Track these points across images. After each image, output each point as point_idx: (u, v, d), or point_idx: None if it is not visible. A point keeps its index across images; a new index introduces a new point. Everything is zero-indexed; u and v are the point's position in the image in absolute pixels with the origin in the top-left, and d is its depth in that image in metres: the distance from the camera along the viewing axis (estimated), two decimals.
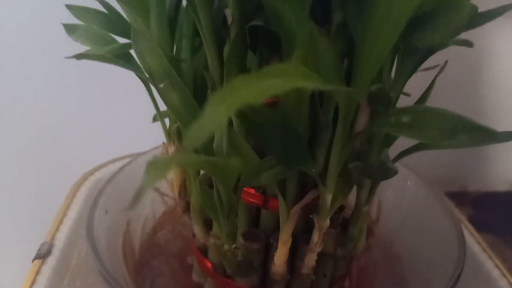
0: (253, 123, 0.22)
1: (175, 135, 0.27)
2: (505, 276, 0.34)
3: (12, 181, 0.52)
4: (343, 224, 0.29)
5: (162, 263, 0.36)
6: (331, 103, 0.23)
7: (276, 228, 0.27)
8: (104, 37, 0.27)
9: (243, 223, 0.28)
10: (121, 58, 0.25)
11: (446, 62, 0.25)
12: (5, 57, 0.48)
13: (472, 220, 0.41)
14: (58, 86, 0.50)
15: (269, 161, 0.23)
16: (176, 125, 0.27)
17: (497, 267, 0.35)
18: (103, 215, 0.32)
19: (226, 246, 0.27)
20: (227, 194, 0.23)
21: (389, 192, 0.38)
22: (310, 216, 0.25)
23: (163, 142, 0.29)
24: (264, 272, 0.28)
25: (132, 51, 0.25)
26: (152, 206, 0.39)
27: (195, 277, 0.33)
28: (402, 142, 0.26)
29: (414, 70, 0.25)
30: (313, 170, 0.23)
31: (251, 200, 0.27)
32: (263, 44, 0.24)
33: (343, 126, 0.20)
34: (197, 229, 0.30)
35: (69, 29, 0.27)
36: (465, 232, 0.35)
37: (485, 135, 0.16)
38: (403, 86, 0.24)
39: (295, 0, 0.18)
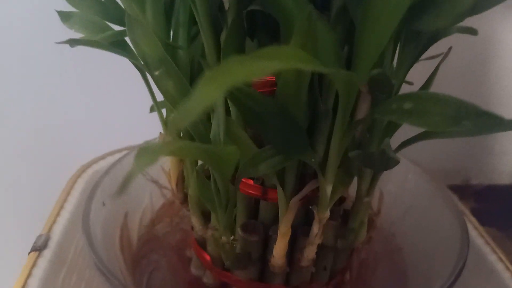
0: (251, 112, 0.21)
1: None
2: (508, 269, 0.34)
3: (9, 173, 0.52)
4: (343, 216, 0.28)
5: (160, 256, 0.35)
6: (331, 91, 0.22)
7: (276, 220, 0.26)
8: (100, 25, 0.26)
9: (242, 215, 0.27)
10: (116, 45, 0.25)
11: (449, 49, 0.24)
12: (2, 50, 0.47)
13: (475, 213, 0.41)
14: (56, 78, 0.50)
15: (268, 150, 0.22)
16: (173, 114, 0.26)
17: (501, 260, 0.34)
18: (100, 207, 0.32)
19: (224, 238, 0.26)
20: (224, 184, 0.23)
21: (390, 184, 0.37)
22: (310, 207, 0.24)
23: (160, 133, 0.28)
24: (263, 265, 0.28)
25: (127, 38, 0.24)
26: (151, 199, 0.39)
27: (193, 270, 0.33)
28: (406, 136, 0.25)
29: (416, 58, 0.24)
30: (313, 160, 0.22)
31: (250, 191, 0.26)
32: (262, 30, 0.23)
33: (343, 114, 0.20)
34: (195, 221, 0.29)
35: (64, 16, 0.26)
36: (468, 225, 0.35)
37: (490, 121, 0.15)
38: (405, 74, 0.24)
39: None
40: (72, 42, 0.23)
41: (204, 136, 0.23)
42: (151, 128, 0.34)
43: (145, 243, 0.36)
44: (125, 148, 0.42)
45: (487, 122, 0.16)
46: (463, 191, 0.53)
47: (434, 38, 0.23)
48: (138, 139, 0.39)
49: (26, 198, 0.52)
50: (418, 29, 0.21)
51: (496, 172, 0.60)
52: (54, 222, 0.34)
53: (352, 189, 0.27)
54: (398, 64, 0.23)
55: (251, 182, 0.26)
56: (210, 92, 0.10)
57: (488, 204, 0.55)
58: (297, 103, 0.20)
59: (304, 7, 0.18)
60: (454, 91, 0.17)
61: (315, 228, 0.25)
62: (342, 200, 0.28)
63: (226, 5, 0.22)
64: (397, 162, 0.22)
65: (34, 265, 0.31)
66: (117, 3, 0.27)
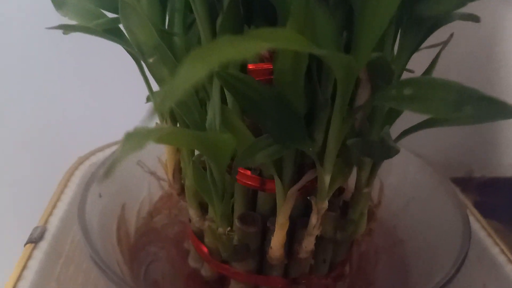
0: (248, 100, 0.20)
1: (168, 113, 0.26)
2: (511, 262, 0.33)
3: (7, 165, 0.52)
4: (343, 207, 0.28)
5: (158, 249, 0.35)
6: (330, 80, 0.22)
7: (274, 211, 0.26)
8: (94, 12, 0.26)
9: (240, 206, 0.27)
10: (111, 32, 0.24)
11: (451, 36, 0.24)
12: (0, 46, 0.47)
13: (477, 206, 0.40)
14: (54, 70, 0.49)
15: (265, 140, 0.22)
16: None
17: (503, 252, 0.34)
18: (97, 199, 0.31)
19: (220, 230, 0.26)
20: (220, 174, 0.22)
21: (392, 176, 0.37)
22: (308, 198, 0.24)
23: (156, 123, 0.28)
24: (261, 257, 0.28)
25: (122, 26, 0.24)
26: (149, 190, 0.38)
27: (191, 262, 0.32)
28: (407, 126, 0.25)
29: (418, 45, 0.23)
30: (311, 149, 0.22)
31: (247, 182, 0.26)
32: (259, 17, 0.23)
33: (342, 101, 0.19)
34: (192, 213, 0.29)
35: (58, 3, 0.26)
36: (471, 218, 0.34)
37: (493, 107, 0.15)
38: (406, 62, 0.23)
39: None
40: (65, 28, 0.22)
41: (199, 125, 0.22)
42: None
43: (143, 235, 0.36)
44: None
45: (489, 107, 0.15)
46: (466, 183, 0.52)
47: (436, 24, 0.23)
48: None
49: (24, 190, 0.52)
50: (419, 14, 0.20)
51: (499, 164, 0.60)
52: (50, 214, 0.34)
53: (352, 180, 0.27)
54: (399, 51, 0.22)
55: (248, 172, 0.25)
56: (196, 70, 0.09)
57: (491, 197, 0.55)
58: (294, 90, 0.20)
59: None
60: (457, 78, 0.16)
61: (314, 219, 0.24)
62: (341, 191, 0.28)
63: None
64: (397, 151, 0.21)
65: (29, 257, 0.30)
66: None
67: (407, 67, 0.24)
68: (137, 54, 0.22)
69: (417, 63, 0.25)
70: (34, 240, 0.32)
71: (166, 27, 0.25)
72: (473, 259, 0.34)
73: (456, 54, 0.47)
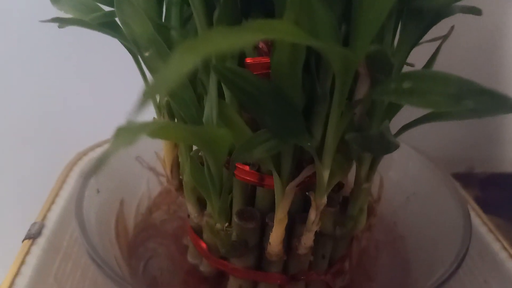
0: (245, 93, 0.20)
1: (165, 109, 0.26)
2: None
3: (5, 161, 0.52)
4: (342, 203, 0.27)
5: (157, 245, 0.35)
6: (328, 74, 0.21)
7: (273, 207, 0.25)
8: (90, 6, 0.26)
9: (238, 202, 0.27)
10: (106, 26, 0.24)
11: (452, 28, 0.23)
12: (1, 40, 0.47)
13: (479, 202, 0.40)
14: (53, 65, 0.49)
15: (262, 134, 0.21)
16: (166, 98, 0.26)
17: (505, 248, 0.34)
18: (94, 194, 0.31)
19: (218, 225, 0.25)
20: (218, 169, 0.22)
21: (392, 172, 0.36)
22: (307, 193, 0.24)
23: (154, 118, 0.28)
24: (259, 253, 0.27)
25: (118, 20, 0.23)
26: (148, 186, 0.38)
27: (190, 258, 0.32)
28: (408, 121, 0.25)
29: (418, 38, 0.23)
30: (309, 144, 0.21)
31: (246, 178, 0.25)
32: (256, 10, 0.22)
33: (340, 95, 0.19)
34: (191, 208, 0.29)
35: None
36: (472, 213, 0.34)
37: (494, 101, 0.15)
38: (406, 55, 0.23)
39: None
40: (60, 21, 0.22)
41: (196, 120, 0.22)
42: (147, 114, 0.33)
43: (142, 231, 0.36)
44: None
45: (490, 101, 0.15)
46: (467, 179, 0.52)
47: (436, 17, 0.23)
48: None
49: (22, 186, 0.52)
50: (419, 6, 0.20)
51: (501, 160, 0.59)
52: (48, 210, 0.34)
53: (352, 176, 0.27)
54: (399, 44, 0.22)
55: (247, 168, 0.25)
56: (186, 60, 0.09)
57: (493, 193, 0.55)
58: (292, 84, 0.19)
59: None
60: (458, 73, 0.16)
61: (312, 215, 0.24)
62: (341, 186, 0.27)
63: None
64: (396, 146, 0.21)
65: (27, 252, 0.30)
66: None
67: (408, 61, 0.24)
68: (133, 48, 0.22)
69: (418, 57, 0.25)
70: (32, 236, 0.31)
71: (163, 20, 0.25)
72: (474, 255, 0.34)
73: (458, 48, 0.47)
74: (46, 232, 0.32)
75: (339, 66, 0.17)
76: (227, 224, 0.26)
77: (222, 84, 0.22)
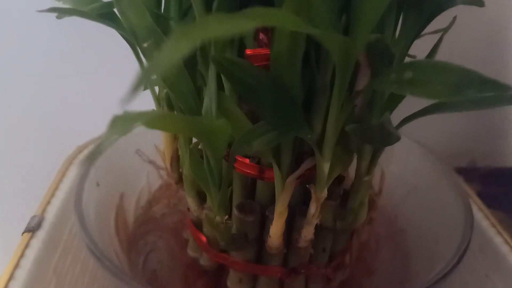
0: (244, 85, 0.20)
1: (165, 101, 0.26)
2: None
3: (5, 154, 0.51)
4: (343, 196, 0.27)
5: (157, 238, 0.35)
6: (329, 65, 0.21)
7: (273, 200, 0.25)
8: None
9: (238, 195, 0.26)
10: (105, 17, 0.24)
11: (454, 18, 0.23)
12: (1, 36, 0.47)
13: (481, 196, 0.40)
14: (53, 59, 0.49)
15: (262, 126, 0.21)
16: (165, 91, 0.25)
17: (506, 242, 0.34)
18: (94, 187, 0.31)
19: (218, 218, 0.25)
20: (217, 161, 0.22)
21: (393, 165, 0.36)
22: (307, 186, 0.24)
23: (153, 110, 0.27)
24: (259, 246, 0.27)
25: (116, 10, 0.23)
26: (148, 180, 0.38)
27: (190, 252, 0.32)
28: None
29: (420, 29, 0.23)
30: (309, 136, 0.21)
31: (246, 170, 0.25)
32: (255, 1, 0.22)
33: (340, 86, 0.19)
34: (191, 202, 0.29)
35: None
36: (473, 207, 0.33)
37: (496, 90, 0.14)
38: (408, 47, 0.23)
39: None
40: (59, 12, 0.22)
41: (195, 112, 0.22)
42: (146, 107, 0.33)
43: (142, 225, 0.36)
44: None
45: (492, 90, 0.14)
46: (469, 173, 0.52)
47: (438, 8, 0.22)
48: None
49: (22, 179, 0.52)
50: None
51: (503, 154, 0.59)
52: (48, 203, 0.34)
53: (353, 169, 0.27)
54: (400, 35, 0.22)
55: (247, 161, 0.25)
56: (181, 45, 0.09)
57: (495, 187, 0.54)
58: (291, 74, 0.19)
59: None
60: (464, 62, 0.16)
61: (313, 208, 0.24)
62: (341, 179, 0.27)
63: None
64: (397, 138, 0.21)
65: (27, 245, 0.30)
66: None
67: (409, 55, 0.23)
68: (132, 39, 0.22)
69: (420, 50, 0.24)
70: (32, 229, 0.31)
71: (162, 11, 0.24)
72: (476, 249, 0.34)
73: (460, 40, 0.47)
74: (46, 225, 0.32)
75: (339, 56, 0.16)
76: (227, 217, 0.25)
77: (221, 76, 0.22)
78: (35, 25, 0.47)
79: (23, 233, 0.31)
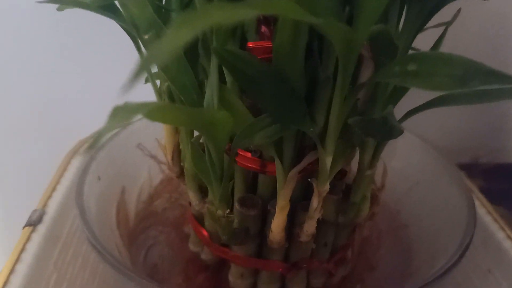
0: (246, 77, 0.20)
1: (166, 94, 0.25)
2: None
3: (7, 148, 0.51)
4: (345, 190, 0.27)
5: (158, 232, 0.35)
6: (331, 58, 0.21)
7: (274, 194, 0.25)
8: None
9: (240, 189, 0.26)
10: (106, 8, 0.23)
11: (458, 11, 0.23)
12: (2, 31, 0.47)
13: (483, 192, 0.40)
14: (55, 51, 0.49)
15: (264, 119, 0.21)
16: (166, 84, 0.25)
17: (509, 238, 0.33)
18: (95, 181, 0.31)
19: (219, 212, 0.25)
20: (218, 155, 0.22)
21: (396, 160, 0.36)
22: (309, 180, 0.23)
23: (154, 101, 0.27)
24: (261, 241, 0.27)
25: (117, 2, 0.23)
26: (149, 174, 0.38)
27: (191, 246, 0.32)
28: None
29: (424, 22, 0.23)
30: (311, 130, 0.21)
31: (247, 164, 0.25)
32: None
33: (343, 78, 0.18)
34: (192, 196, 0.28)
35: None
36: (476, 203, 0.33)
37: (500, 82, 0.14)
38: (412, 39, 0.22)
39: None
40: (60, 3, 0.22)
41: (197, 105, 0.22)
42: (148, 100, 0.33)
43: (143, 219, 0.35)
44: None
45: (497, 82, 0.14)
46: (471, 169, 0.51)
47: (442, 1, 0.22)
48: None
49: (23, 173, 0.52)
50: None
51: (506, 150, 0.59)
52: (49, 197, 0.34)
53: (355, 164, 0.26)
54: (404, 27, 0.22)
55: (248, 155, 0.25)
56: (182, 32, 0.09)
57: (497, 183, 0.54)
58: (293, 66, 0.19)
59: None
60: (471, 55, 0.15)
61: (315, 202, 0.23)
62: (343, 173, 0.27)
63: None
64: (400, 131, 0.21)
65: (28, 239, 0.30)
66: None
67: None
68: (133, 31, 0.22)
69: (424, 44, 0.24)
70: (33, 223, 0.31)
71: (163, 2, 0.24)
72: (478, 244, 0.34)
73: (464, 33, 0.46)
74: (47, 219, 0.32)
75: (342, 46, 0.16)
76: (228, 211, 0.25)
77: (223, 69, 0.22)
78: (34, 19, 0.46)
79: (24, 227, 0.31)
